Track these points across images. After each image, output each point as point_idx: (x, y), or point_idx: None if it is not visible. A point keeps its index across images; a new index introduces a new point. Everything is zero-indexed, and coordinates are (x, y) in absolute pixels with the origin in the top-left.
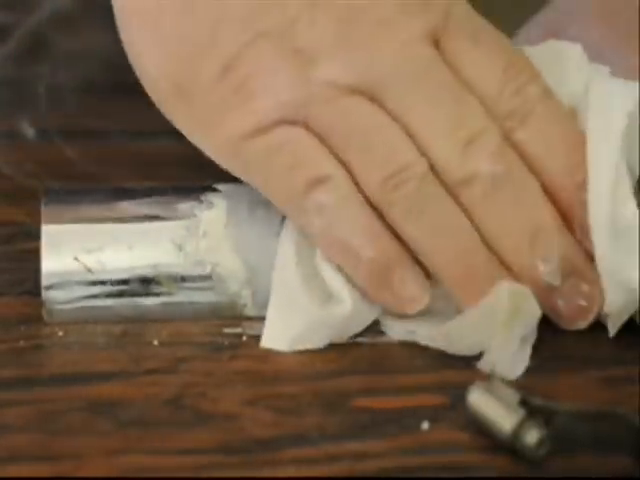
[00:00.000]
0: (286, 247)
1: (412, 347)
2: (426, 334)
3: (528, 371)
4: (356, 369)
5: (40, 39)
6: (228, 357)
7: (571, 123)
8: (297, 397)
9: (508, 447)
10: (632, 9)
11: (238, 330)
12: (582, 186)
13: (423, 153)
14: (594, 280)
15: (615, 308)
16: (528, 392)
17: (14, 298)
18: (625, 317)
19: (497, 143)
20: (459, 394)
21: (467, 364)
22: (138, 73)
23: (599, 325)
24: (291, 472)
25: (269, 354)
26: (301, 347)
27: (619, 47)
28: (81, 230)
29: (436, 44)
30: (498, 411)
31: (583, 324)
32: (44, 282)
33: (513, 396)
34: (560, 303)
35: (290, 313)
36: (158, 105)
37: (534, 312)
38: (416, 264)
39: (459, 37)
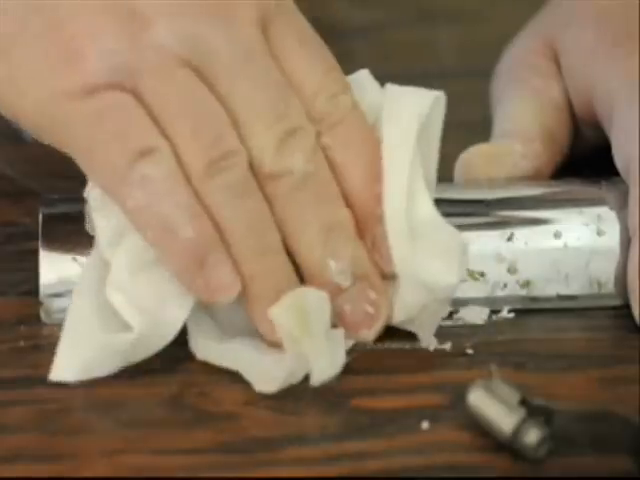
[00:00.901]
0: (86, 275)
1: (411, 348)
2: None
3: (528, 371)
4: (356, 369)
5: None
6: None
7: (373, 137)
8: (297, 397)
9: (508, 447)
10: (631, 10)
11: None
12: (379, 198)
13: (242, 140)
14: (382, 290)
15: (417, 312)
16: (528, 392)
17: (14, 298)
18: (435, 324)
19: (312, 142)
20: (459, 394)
21: (467, 364)
22: None
23: (599, 325)
24: (291, 472)
25: None
26: (88, 377)
27: (614, 49)
28: (79, 239)
29: (264, 31)
30: (498, 411)
31: (369, 334)
32: (43, 291)
33: (513, 396)
34: (347, 308)
35: (79, 342)
36: None
37: (322, 308)
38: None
39: (286, 31)
